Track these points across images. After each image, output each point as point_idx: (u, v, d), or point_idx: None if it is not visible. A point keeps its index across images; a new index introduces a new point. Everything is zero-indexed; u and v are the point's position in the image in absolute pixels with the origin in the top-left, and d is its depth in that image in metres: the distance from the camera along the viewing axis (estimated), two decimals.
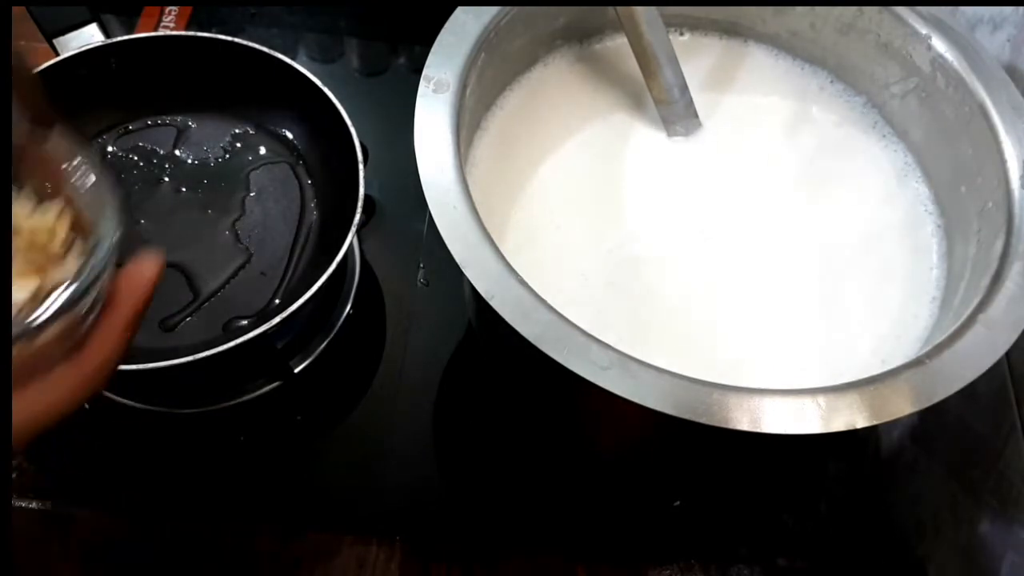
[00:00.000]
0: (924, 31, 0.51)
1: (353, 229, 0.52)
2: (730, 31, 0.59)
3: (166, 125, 0.63)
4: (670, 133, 0.56)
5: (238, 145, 0.62)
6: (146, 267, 0.32)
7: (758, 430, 0.38)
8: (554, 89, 0.56)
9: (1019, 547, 0.48)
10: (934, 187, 0.54)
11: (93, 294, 0.30)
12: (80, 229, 0.32)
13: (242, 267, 0.57)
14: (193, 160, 0.61)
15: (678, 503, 0.58)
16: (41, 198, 0.32)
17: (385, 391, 0.59)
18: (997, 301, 0.42)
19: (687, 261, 0.51)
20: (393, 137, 0.52)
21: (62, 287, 0.29)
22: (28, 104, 0.31)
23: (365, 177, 0.54)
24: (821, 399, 0.39)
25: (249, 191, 0.60)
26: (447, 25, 0.50)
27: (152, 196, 0.60)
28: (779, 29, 0.58)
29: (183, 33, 0.61)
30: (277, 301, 0.56)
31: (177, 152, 0.61)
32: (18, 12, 0.56)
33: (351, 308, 0.61)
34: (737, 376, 0.40)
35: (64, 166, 0.32)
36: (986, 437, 0.52)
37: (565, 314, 0.40)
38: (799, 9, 0.56)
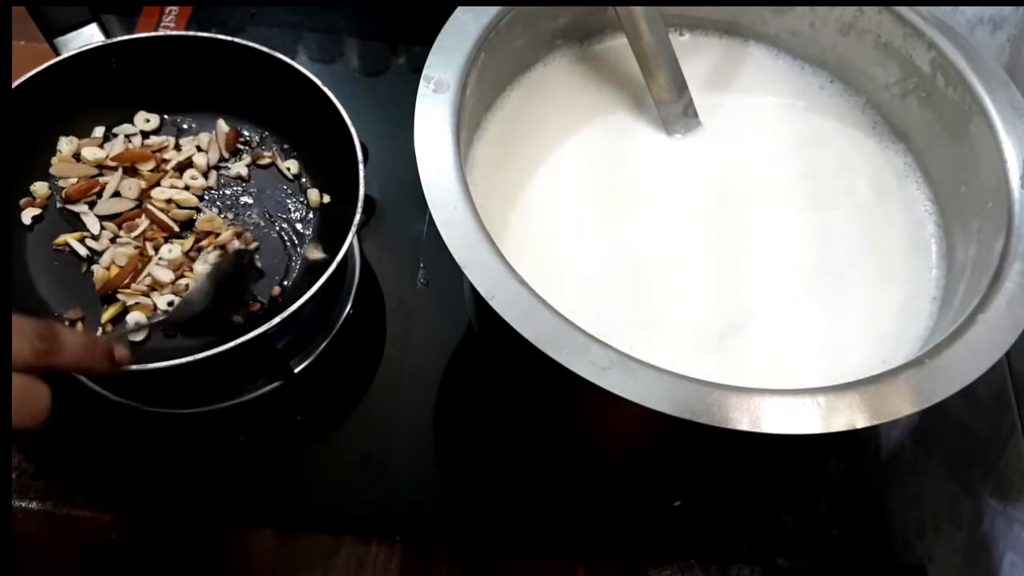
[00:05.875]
0: (924, 31, 0.51)
1: (353, 229, 0.52)
2: (730, 31, 0.59)
3: (166, 125, 0.63)
4: (670, 133, 0.56)
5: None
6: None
7: (758, 430, 0.38)
8: (554, 89, 0.56)
9: (1019, 547, 0.48)
10: (934, 187, 0.54)
11: None
12: None
13: None
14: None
15: (678, 503, 0.58)
16: None
17: (385, 391, 0.59)
18: (997, 301, 0.42)
19: (687, 261, 0.50)
20: (393, 137, 0.52)
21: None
22: None
23: (365, 177, 0.54)
24: (821, 399, 0.39)
25: (248, 191, 0.60)
26: (447, 25, 0.50)
27: None
28: (779, 29, 0.58)
29: (183, 33, 0.61)
30: (277, 301, 0.56)
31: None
32: (18, 12, 0.56)
33: (351, 308, 0.61)
34: (737, 376, 0.40)
35: None
36: (986, 437, 0.52)
37: (565, 314, 0.40)
38: (799, 9, 0.56)
